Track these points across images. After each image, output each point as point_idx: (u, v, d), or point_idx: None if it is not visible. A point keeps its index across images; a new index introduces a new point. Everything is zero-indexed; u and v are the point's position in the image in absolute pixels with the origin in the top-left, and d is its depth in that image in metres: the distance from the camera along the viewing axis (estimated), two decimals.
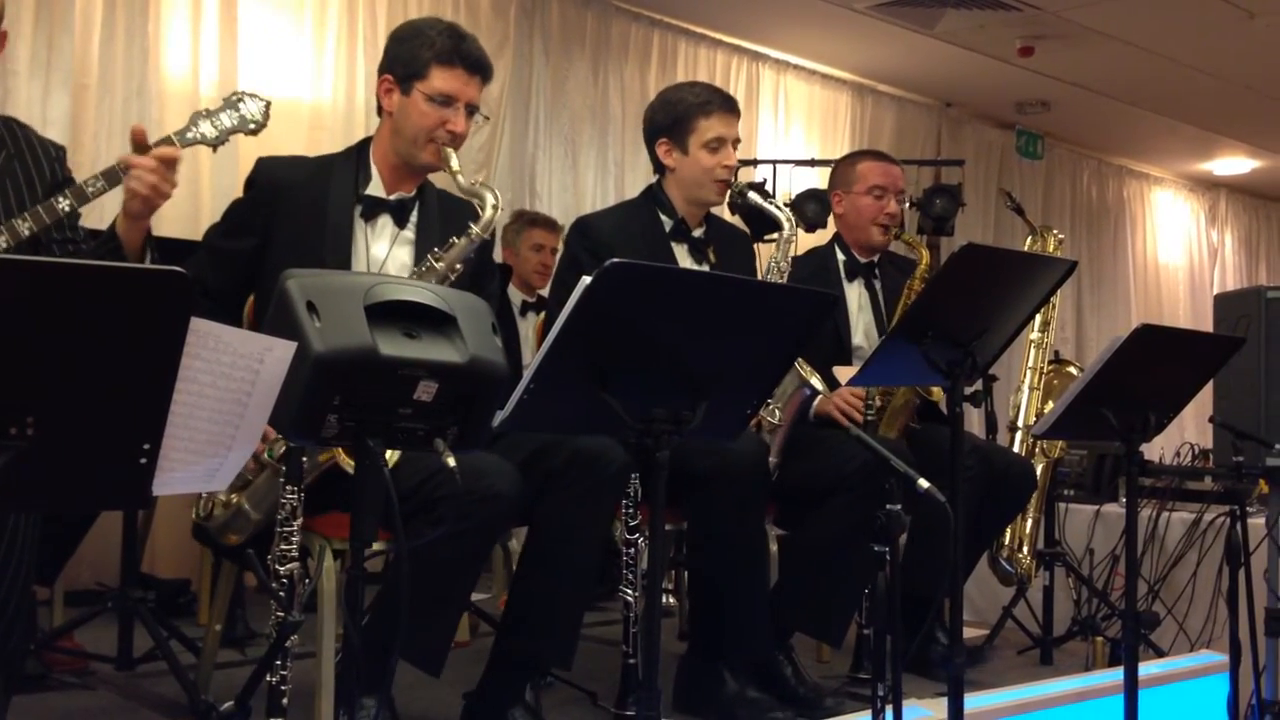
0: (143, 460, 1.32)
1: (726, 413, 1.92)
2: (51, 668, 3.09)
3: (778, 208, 3.19)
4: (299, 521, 2.31)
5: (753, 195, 3.16)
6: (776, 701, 2.95)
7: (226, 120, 2.40)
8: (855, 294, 3.63)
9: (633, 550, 2.82)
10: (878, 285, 3.66)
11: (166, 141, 2.33)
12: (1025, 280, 2.41)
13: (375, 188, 2.66)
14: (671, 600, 4.23)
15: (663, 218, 3.16)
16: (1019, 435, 4.03)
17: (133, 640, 3.18)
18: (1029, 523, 3.97)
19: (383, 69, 2.65)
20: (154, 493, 1.37)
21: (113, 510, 3.20)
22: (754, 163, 5.87)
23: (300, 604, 2.35)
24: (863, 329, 3.61)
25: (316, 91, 5.16)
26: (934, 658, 3.35)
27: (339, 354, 1.59)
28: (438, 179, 2.73)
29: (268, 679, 2.25)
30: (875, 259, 3.68)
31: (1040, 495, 3.97)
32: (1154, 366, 2.46)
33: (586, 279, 1.67)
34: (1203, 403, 3.05)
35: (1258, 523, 3.30)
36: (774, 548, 3.25)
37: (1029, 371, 4.07)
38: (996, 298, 2.34)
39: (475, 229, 2.54)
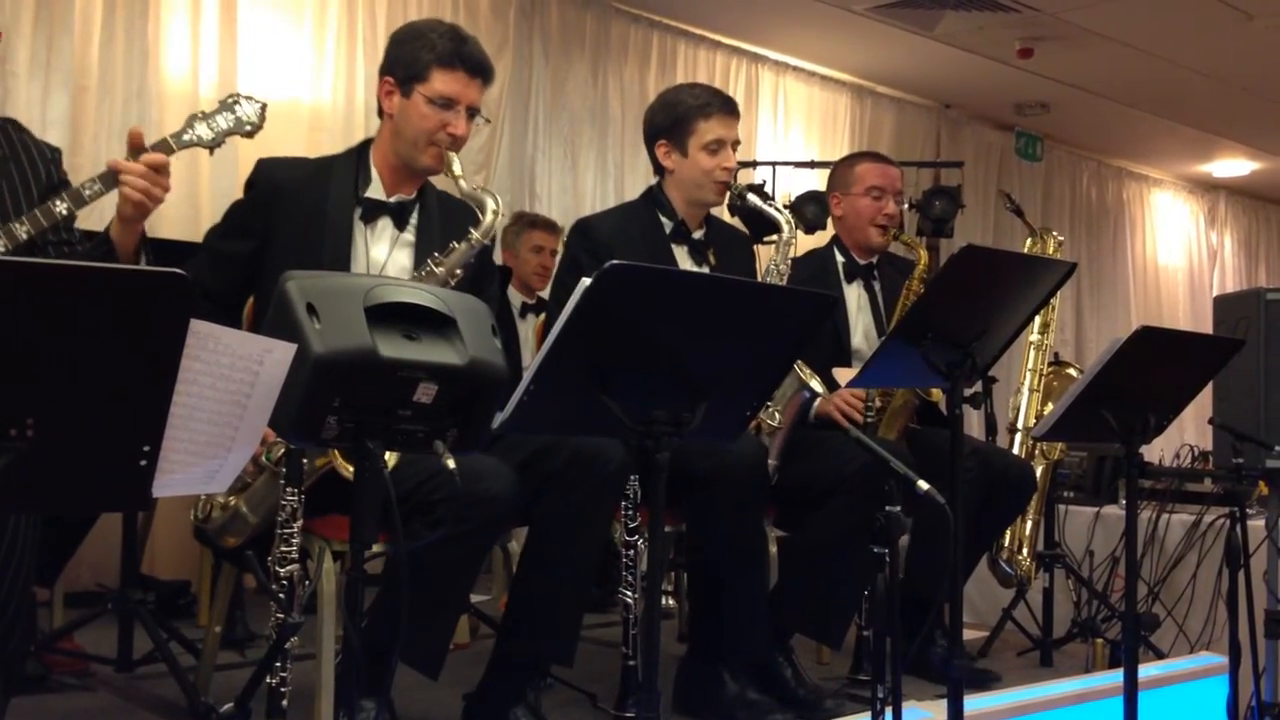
0: (143, 462, 1.32)
1: (726, 414, 1.92)
2: (51, 669, 3.08)
3: (777, 210, 3.19)
4: (299, 523, 2.31)
5: (752, 197, 3.16)
6: (776, 703, 2.95)
7: (223, 122, 2.41)
8: (854, 295, 3.63)
9: (632, 552, 2.82)
10: (877, 286, 3.67)
11: (163, 144, 2.33)
12: (1025, 282, 2.41)
13: (375, 190, 2.66)
14: (671, 602, 4.23)
15: (663, 219, 3.16)
16: (1019, 437, 4.03)
17: (133, 642, 3.18)
18: (1029, 524, 3.97)
19: (383, 71, 2.65)
20: (154, 494, 1.37)
21: (113, 512, 3.21)
22: (753, 164, 5.87)
23: (300, 606, 2.35)
24: (862, 330, 3.61)
25: (316, 93, 5.16)
26: (934, 659, 3.35)
27: (339, 355, 1.59)
28: (439, 179, 2.73)
29: (267, 681, 2.25)
30: (874, 260, 3.68)
31: (1040, 497, 3.97)
32: (1154, 368, 2.46)
33: (586, 281, 1.67)
34: (1202, 404, 3.05)
35: (1257, 524, 3.30)
36: (774, 549, 3.25)
37: (1029, 373, 4.07)
38: (996, 299, 2.35)
39: (475, 234, 2.54)
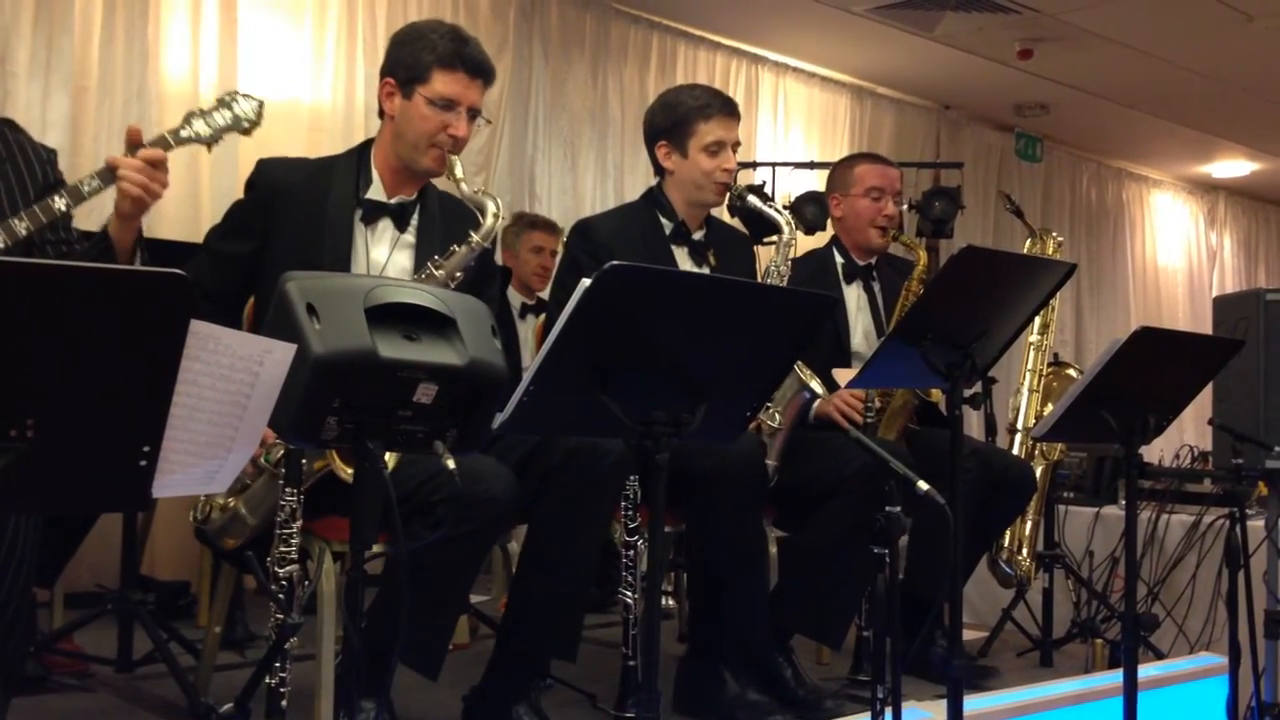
0: (142, 462, 1.32)
1: (726, 415, 1.92)
2: (51, 670, 3.08)
3: (777, 211, 3.19)
4: (298, 524, 2.31)
5: (752, 198, 3.16)
6: (776, 704, 2.95)
7: (220, 119, 2.42)
8: (854, 296, 3.64)
9: (632, 552, 2.82)
10: (876, 287, 3.67)
11: (161, 140, 2.33)
12: (1024, 282, 2.41)
13: (376, 191, 2.66)
14: (671, 602, 4.23)
15: (663, 220, 3.17)
16: (1018, 437, 4.03)
17: (132, 642, 3.18)
18: (1028, 525, 3.97)
19: (384, 72, 2.65)
20: (154, 495, 1.37)
21: (113, 512, 3.21)
22: (753, 165, 5.87)
23: (300, 606, 2.35)
24: (861, 331, 3.61)
25: (316, 93, 5.16)
26: (934, 660, 3.35)
27: (339, 356, 1.59)
28: (440, 180, 2.73)
29: (267, 681, 2.25)
30: (873, 261, 3.68)
31: (1040, 497, 3.97)
32: (1153, 369, 2.46)
33: (586, 281, 1.67)
34: (1202, 405, 3.05)
35: (1257, 525, 3.30)
36: (774, 550, 3.25)
37: (1028, 374, 4.07)
38: (996, 300, 2.35)
39: (475, 237, 2.54)
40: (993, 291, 2.35)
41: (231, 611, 3.35)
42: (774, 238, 3.18)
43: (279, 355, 1.49)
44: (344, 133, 5.04)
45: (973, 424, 5.17)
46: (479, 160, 5.50)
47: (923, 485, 2.05)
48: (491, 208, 2.56)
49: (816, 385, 3.06)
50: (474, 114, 2.64)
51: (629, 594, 2.81)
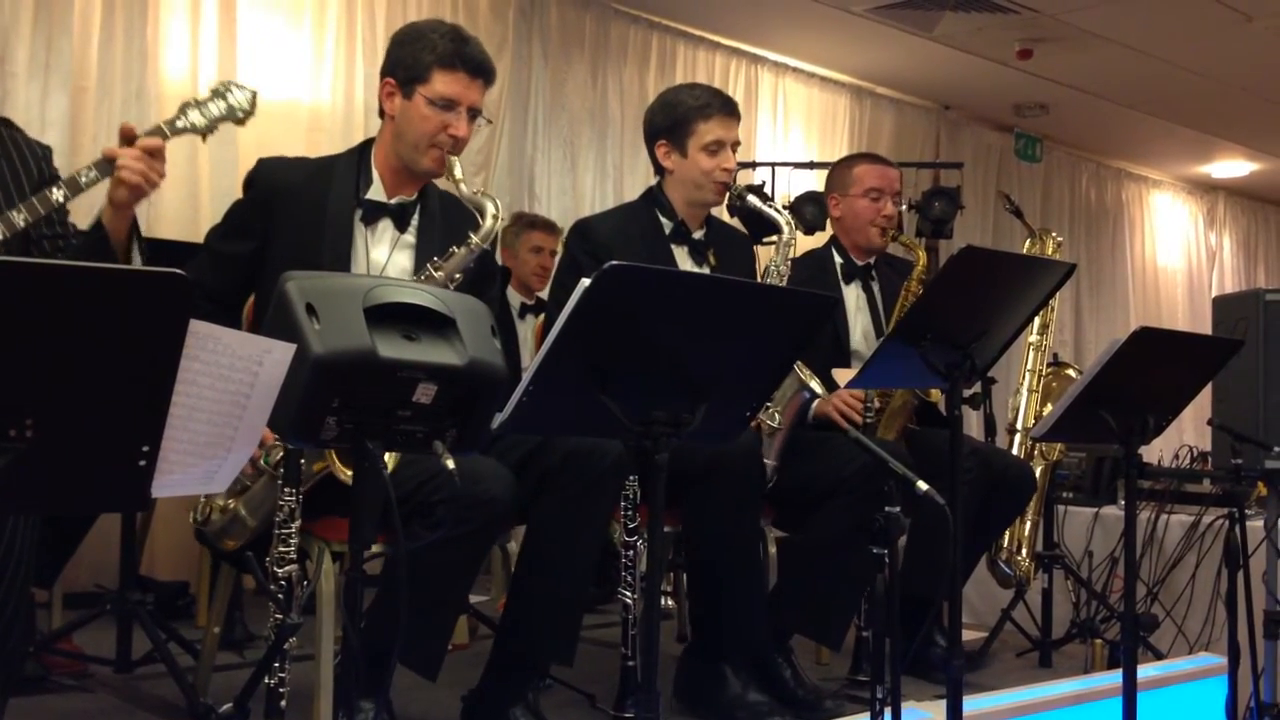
0: (142, 462, 1.32)
1: (726, 415, 1.92)
2: (50, 670, 3.08)
3: (777, 211, 3.19)
4: (297, 524, 2.31)
5: (751, 198, 3.16)
6: (775, 704, 2.95)
7: (215, 109, 2.43)
8: (853, 296, 3.64)
9: (631, 553, 2.82)
10: (875, 287, 3.67)
11: (157, 130, 2.34)
12: (1024, 283, 2.41)
13: (376, 191, 2.66)
14: (670, 602, 4.23)
15: (662, 220, 3.16)
16: (1018, 438, 4.03)
17: (131, 642, 3.18)
18: (1028, 525, 3.97)
19: (384, 72, 2.65)
20: (153, 494, 1.37)
21: (112, 512, 3.20)
22: (752, 165, 5.87)
23: (299, 606, 2.35)
24: (861, 331, 3.61)
25: (315, 93, 5.16)
26: (933, 660, 3.35)
27: (338, 356, 1.59)
28: (440, 181, 2.73)
29: (266, 681, 2.25)
30: (872, 261, 3.68)
31: (1039, 498, 3.97)
32: (1153, 369, 2.46)
33: (586, 281, 1.67)
34: (1201, 405, 3.05)
35: (1256, 525, 3.30)
36: (773, 550, 3.25)
37: (1028, 374, 4.07)
38: (995, 300, 2.35)
39: (475, 239, 2.54)
40: (992, 292, 2.35)
41: (230, 612, 3.35)
42: (773, 238, 3.18)
43: (278, 355, 1.49)
44: (343, 133, 5.04)
45: (972, 424, 5.17)
46: (478, 160, 5.50)
47: (922, 485, 2.05)
48: (491, 209, 2.56)
49: (816, 385, 3.06)
50: (474, 114, 2.64)
51: (628, 594, 2.81)
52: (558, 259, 3.75)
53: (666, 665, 2.81)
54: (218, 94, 2.44)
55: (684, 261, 3.15)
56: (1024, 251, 4.15)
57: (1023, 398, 4.07)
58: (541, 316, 4.26)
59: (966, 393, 2.56)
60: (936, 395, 3.54)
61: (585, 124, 6.05)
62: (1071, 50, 6.46)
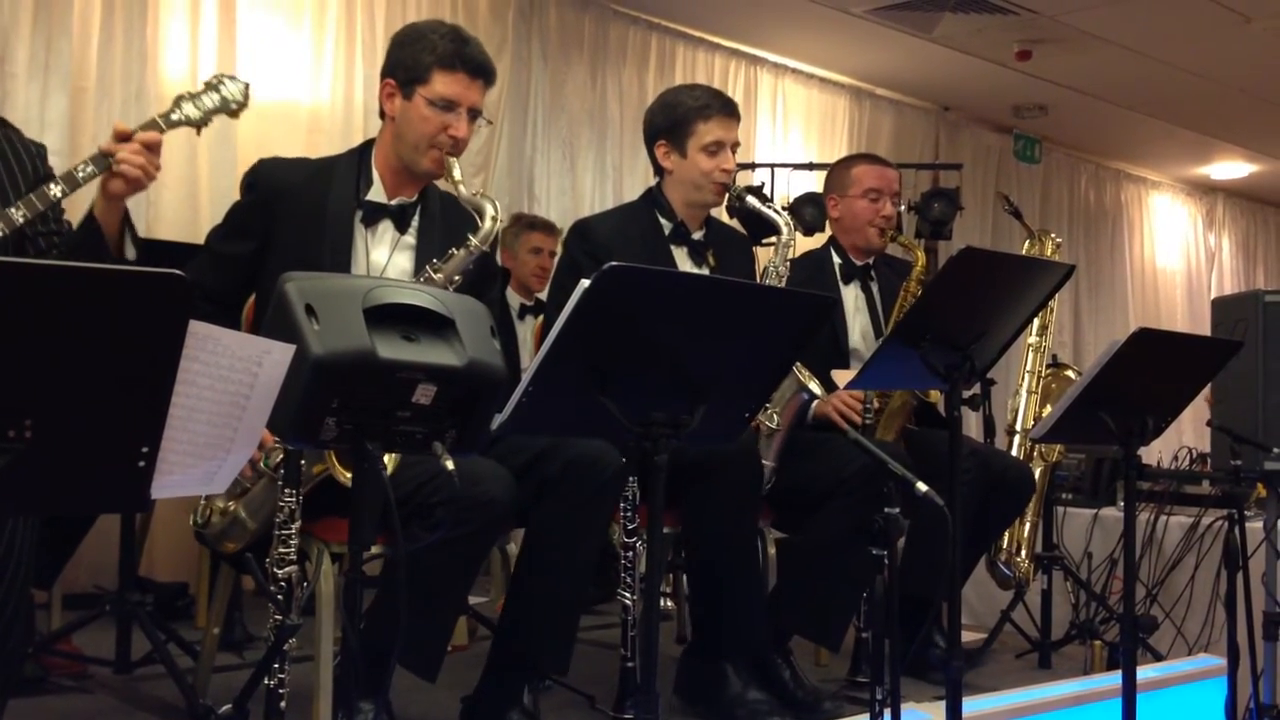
0: (141, 463, 1.32)
1: (725, 416, 1.92)
2: (49, 671, 3.08)
3: (776, 212, 3.19)
4: (297, 525, 2.31)
5: (750, 199, 3.16)
6: (775, 704, 2.95)
7: (209, 101, 2.44)
8: (852, 296, 3.64)
9: (631, 553, 2.82)
10: (874, 287, 3.67)
11: (153, 124, 2.35)
12: (1023, 284, 2.41)
13: (376, 193, 2.66)
14: (670, 603, 4.23)
15: (662, 221, 3.16)
16: (1017, 439, 4.03)
17: (131, 643, 3.17)
18: (1027, 526, 3.97)
19: (384, 73, 2.65)
20: (152, 495, 1.37)
21: (111, 513, 3.20)
22: (752, 166, 5.87)
23: (298, 607, 2.35)
24: (859, 331, 3.62)
25: (315, 94, 5.16)
26: (932, 661, 3.35)
27: (337, 357, 1.59)
28: (439, 182, 2.73)
29: (266, 682, 2.24)
30: (871, 261, 3.69)
31: (1038, 499, 3.97)
32: (1152, 370, 2.46)
33: (585, 282, 1.67)
34: (1200, 406, 3.05)
35: (1255, 526, 3.30)
36: (772, 551, 3.25)
37: (1027, 375, 4.07)
38: (994, 301, 2.35)
39: (474, 240, 2.54)
40: (991, 293, 2.35)
41: (230, 613, 3.35)
42: (773, 239, 3.18)
43: (278, 356, 1.49)
44: (343, 134, 5.04)
45: (971, 425, 5.17)
46: (478, 161, 5.49)
47: (921, 486, 2.05)
48: (490, 210, 2.56)
49: (815, 387, 3.06)
50: (474, 114, 2.63)
51: (628, 595, 2.81)
52: (557, 260, 3.75)
53: (666, 666, 2.81)
54: (211, 87, 2.45)
55: (683, 262, 3.15)
56: (1023, 253, 4.15)
57: (1022, 399, 4.07)
58: (541, 317, 4.26)
59: (966, 394, 2.56)
60: (935, 395, 3.54)
61: (584, 125, 6.05)
62: (1070, 51, 6.46)
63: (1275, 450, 3.04)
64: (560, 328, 1.70)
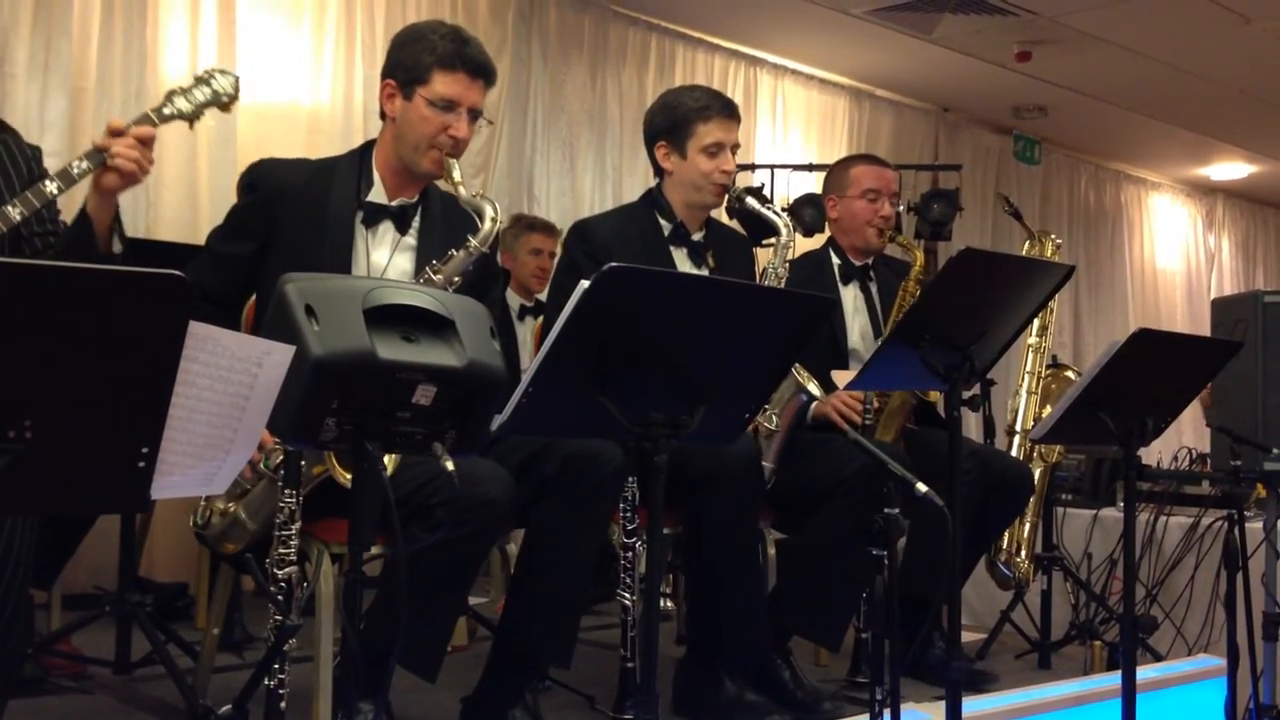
0: (141, 464, 1.32)
1: (724, 417, 1.92)
2: (49, 671, 3.08)
3: (775, 213, 3.19)
4: (297, 525, 2.31)
5: (750, 200, 3.16)
6: (774, 705, 2.95)
7: (200, 95, 2.46)
8: (851, 296, 3.64)
9: (630, 554, 2.82)
10: (873, 288, 3.67)
11: (145, 118, 2.36)
12: (1023, 285, 2.41)
13: (377, 193, 2.65)
14: (669, 604, 4.23)
15: (662, 222, 3.16)
16: (1017, 439, 4.03)
17: (130, 644, 3.17)
18: (1027, 527, 3.97)
19: (385, 73, 2.65)
20: (152, 496, 1.37)
21: (111, 514, 3.20)
22: (751, 167, 5.88)
23: (298, 608, 2.35)
24: (858, 331, 3.62)
25: (315, 95, 5.16)
26: (932, 661, 3.35)
27: (337, 357, 1.59)
28: (440, 182, 2.73)
29: (265, 683, 2.24)
30: (870, 262, 3.69)
31: (1038, 499, 3.97)
32: (1151, 371, 2.46)
33: (585, 283, 1.67)
34: (1198, 407, 3.05)
35: (1255, 527, 3.30)
36: (772, 551, 3.25)
37: (1026, 376, 4.07)
38: (994, 302, 2.35)
39: (474, 242, 2.53)
40: (991, 293, 2.35)
41: (230, 613, 3.35)
42: (772, 240, 3.18)
43: (278, 357, 1.49)
44: (342, 134, 5.04)
45: (971, 426, 5.17)
46: (477, 162, 5.50)
47: (921, 487, 2.06)
48: (489, 211, 2.56)
49: (814, 388, 3.06)
50: (475, 115, 2.63)
51: (627, 596, 2.81)
52: (557, 261, 3.75)
53: (665, 667, 2.81)
54: (202, 80, 2.47)
55: (683, 263, 3.15)
56: (1023, 253, 4.15)
57: (1022, 399, 4.07)
58: (540, 318, 4.26)
59: (965, 394, 2.56)
60: (935, 395, 3.54)
61: (584, 126, 6.05)
62: (1070, 52, 6.46)
63: (1275, 451, 3.04)
64: (560, 328, 1.70)
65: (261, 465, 2.37)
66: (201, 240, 2.85)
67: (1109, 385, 2.40)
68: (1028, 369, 4.07)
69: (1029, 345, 4.06)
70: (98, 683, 3.13)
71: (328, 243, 2.57)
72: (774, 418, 3.04)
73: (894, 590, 2.02)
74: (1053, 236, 4.24)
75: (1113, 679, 2.56)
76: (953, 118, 7.74)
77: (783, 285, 3.12)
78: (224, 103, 2.48)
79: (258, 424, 1.50)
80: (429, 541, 2.19)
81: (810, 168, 5.86)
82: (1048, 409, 3.93)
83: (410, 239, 2.66)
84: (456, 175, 2.58)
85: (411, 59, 2.59)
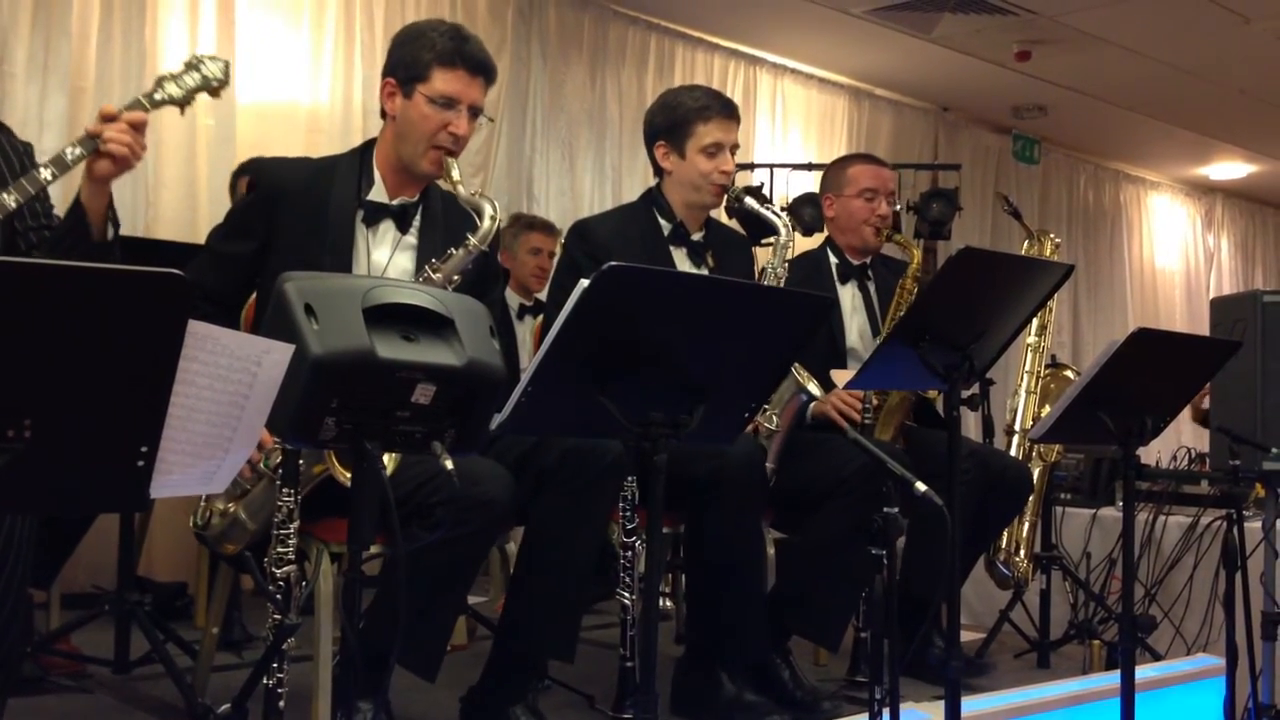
0: (140, 463, 1.32)
1: (724, 416, 1.92)
2: (48, 670, 3.08)
3: (774, 213, 3.19)
4: (296, 524, 2.31)
5: (749, 200, 3.16)
6: (774, 705, 2.95)
7: (190, 80, 2.47)
8: (849, 296, 3.64)
9: (630, 553, 2.82)
10: (871, 287, 3.67)
11: (137, 104, 2.37)
12: (1022, 284, 2.41)
13: (378, 193, 2.65)
14: (669, 603, 4.23)
15: (661, 221, 3.16)
16: (1016, 439, 4.04)
17: (129, 643, 3.17)
18: (1026, 526, 3.97)
19: (385, 72, 2.65)
20: (151, 495, 1.37)
21: (110, 513, 3.20)
22: (751, 167, 5.88)
23: (297, 607, 2.35)
24: (857, 330, 3.62)
25: (314, 95, 5.16)
26: (931, 661, 3.35)
27: (337, 356, 1.59)
28: (441, 181, 2.72)
29: (265, 682, 2.24)
30: (868, 261, 3.69)
31: (1037, 499, 3.97)
32: (1150, 370, 2.46)
33: (585, 282, 1.67)
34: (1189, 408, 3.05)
35: (1254, 526, 3.30)
36: (772, 551, 3.25)
37: (1026, 375, 4.07)
38: (993, 301, 2.35)
39: (473, 240, 2.53)
40: (990, 293, 2.35)
41: (229, 612, 3.35)
42: (771, 239, 3.18)
43: (277, 356, 1.49)
44: (342, 134, 5.04)
45: (970, 425, 5.17)
46: (477, 161, 5.50)
47: (920, 486, 2.05)
48: (489, 210, 2.56)
49: (814, 387, 3.06)
50: (475, 112, 2.63)
51: (627, 595, 2.81)
52: (556, 260, 3.75)
53: (665, 666, 2.81)
54: (191, 66, 2.48)
55: (682, 263, 3.15)
56: (1022, 253, 4.15)
57: (1021, 399, 4.07)
58: (540, 318, 4.26)
59: (965, 394, 2.56)
60: (934, 392, 3.54)
61: (584, 125, 6.05)
62: (1070, 52, 6.46)
63: (1274, 450, 3.04)
64: (560, 328, 1.70)
65: (261, 465, 2.37)
66: (201, 239, 2.85)
67: (1108, 385, 2.40)
68: (1027, 368, 4.07)
69: (1028, 345, 4.06)
70: (97, 682, 3.13)
71: (328, 242, 2.57)
72: (774, 418, 3.04)
73: (893, 590, 2.02)
74: (1052, 236, 4.24)
75: (1111, 678, 2.56)
76: (952, 117, 7.74)
77: (782, 285, 3.11)
78: (214, 87, 2.48)
79: (257, 423, 1.50)
80: (428, 541, 2.19)
81: (810, 167, 5.86)
82: (1047, 408, 3.93)
83: (411, 238, 2.66)
84: (455, 174, 2.58)
85: (411, 57, 2.59)
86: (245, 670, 2.64)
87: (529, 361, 1.80)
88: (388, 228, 2.65)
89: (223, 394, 1.44)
